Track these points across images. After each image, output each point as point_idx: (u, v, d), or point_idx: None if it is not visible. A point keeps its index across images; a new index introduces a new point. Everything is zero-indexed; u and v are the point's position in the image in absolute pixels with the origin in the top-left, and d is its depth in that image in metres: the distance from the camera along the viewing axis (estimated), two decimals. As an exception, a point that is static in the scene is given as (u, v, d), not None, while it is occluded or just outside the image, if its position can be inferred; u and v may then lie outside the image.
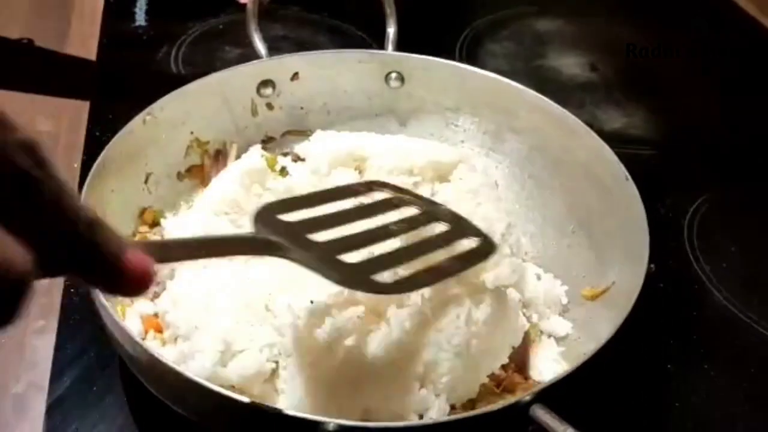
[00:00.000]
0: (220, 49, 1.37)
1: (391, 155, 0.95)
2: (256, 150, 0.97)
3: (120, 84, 1.25)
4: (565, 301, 0.89)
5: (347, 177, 0.94)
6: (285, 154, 1.02)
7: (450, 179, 0.95)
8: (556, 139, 0.98)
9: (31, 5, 1.45)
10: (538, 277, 0.91)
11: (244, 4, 1.07)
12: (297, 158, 1.00)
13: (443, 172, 0.96)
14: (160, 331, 0.80)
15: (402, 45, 1.08)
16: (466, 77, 1.03)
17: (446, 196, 0.89)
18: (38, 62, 1.32)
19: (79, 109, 1.18)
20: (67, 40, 1.37)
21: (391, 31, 1.07)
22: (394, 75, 1.05)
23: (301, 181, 0.93)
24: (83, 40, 1.37)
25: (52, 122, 1.18)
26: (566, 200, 0.97)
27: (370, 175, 0.94)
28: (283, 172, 0.98)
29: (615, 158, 0.90)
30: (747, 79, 1.47)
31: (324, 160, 0.95)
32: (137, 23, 1.46)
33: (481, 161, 1.02)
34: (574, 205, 0.95)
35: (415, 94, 1.06)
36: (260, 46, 1.04)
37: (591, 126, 0.95)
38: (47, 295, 0.91)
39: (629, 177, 0.87)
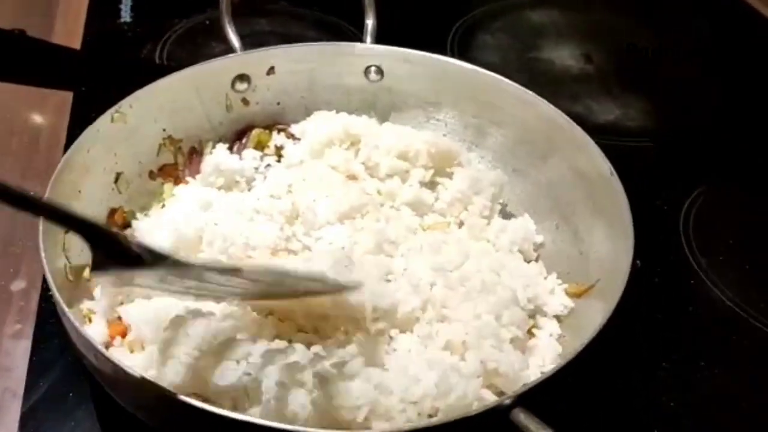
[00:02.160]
0: (206, 45, 1.35)
1: (387, 136, 0.94)
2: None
3: (104, 81, 1.23)
4: (570, 305, 0.85)
5: (340, 156, 0.93)
6: (280, 131, 1.01)
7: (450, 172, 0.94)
8: (540, 132, 0.95)
9: (16, 1, 1.44)
10: (545, 278, 0.89)
11: None
12: (292, 136, 0.99)
13: (439, 162, 0.94)
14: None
15: (393, 38, 1.05)
16: (447, 70, 1.01)
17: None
18: (25, 52, 1.32)
19: (62, 108, 1.17)
20: (52, 37, 1.36)
21: (370, 23, 1.04)
22: (373, 69, 1.03)
23: (296, 159, 0.94)
24: (68, 37, 1.36)
25: (37, 118, 1.19)
26: (551, 195, 0.94)
27: (364, 155, 0.93)
28: (279, 150, 0.97)
29: (600, 152, 0.87)
30: (745, 71, 1.44)
31: (319, 139, 0.94)
32: (122, 20, 1.44)
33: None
34: (559, 200, 0.93)
35: (395, 88, 1.03)
36: (234, 39, 1.01)
37: (586, 118, 0.94)
38: (24, 298, 0.90)
39: (614, 172, 0.84)
